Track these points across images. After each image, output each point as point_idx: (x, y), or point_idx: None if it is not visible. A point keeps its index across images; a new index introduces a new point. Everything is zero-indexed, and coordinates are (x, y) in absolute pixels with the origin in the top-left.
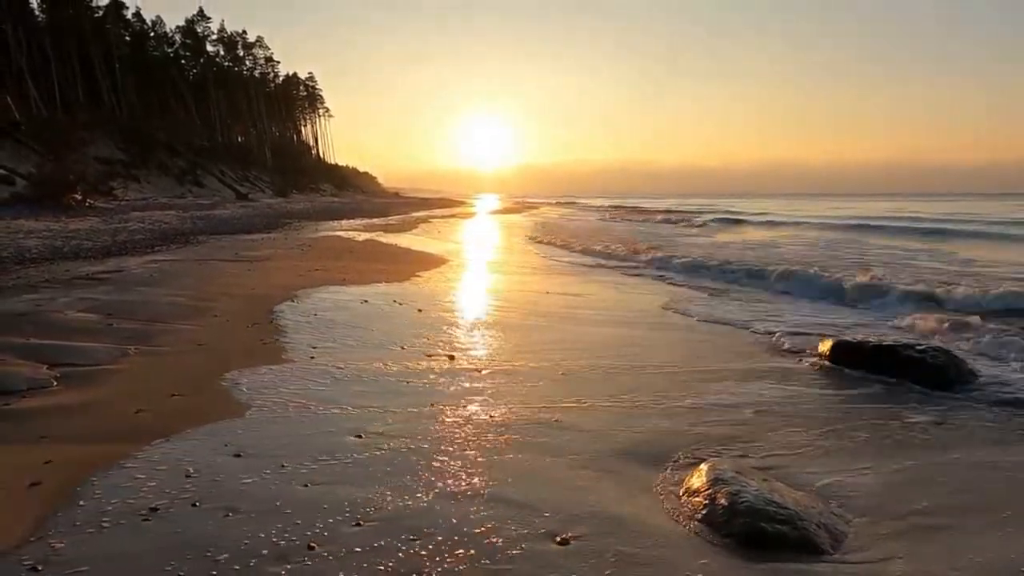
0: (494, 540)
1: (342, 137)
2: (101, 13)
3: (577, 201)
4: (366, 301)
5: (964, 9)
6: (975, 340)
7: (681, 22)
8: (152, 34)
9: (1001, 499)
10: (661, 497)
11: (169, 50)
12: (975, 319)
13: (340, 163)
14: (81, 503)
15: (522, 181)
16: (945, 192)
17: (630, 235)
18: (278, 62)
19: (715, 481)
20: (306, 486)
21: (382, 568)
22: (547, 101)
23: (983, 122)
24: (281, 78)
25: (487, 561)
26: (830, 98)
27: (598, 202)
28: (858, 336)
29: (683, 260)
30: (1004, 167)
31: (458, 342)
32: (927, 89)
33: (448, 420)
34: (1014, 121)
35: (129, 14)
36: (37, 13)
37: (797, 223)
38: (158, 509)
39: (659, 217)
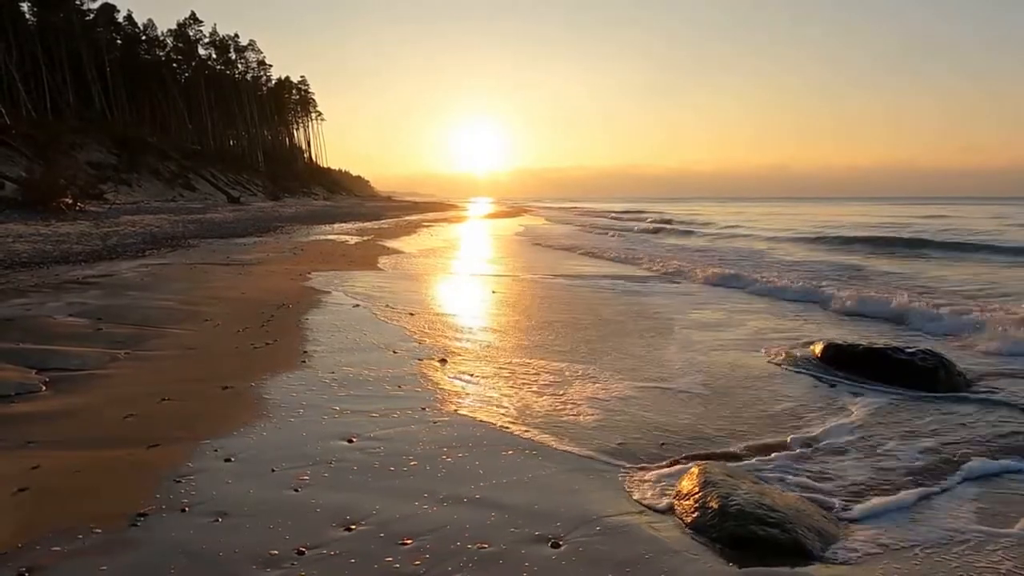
0: (485, 544)
1: (335, 141)
2: (92, 16)
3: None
4: (358, 305)
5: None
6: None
7: (681, 25)
8: (144, 37)
9: None
10: (652, 500)
11: (160, 54)
12: None
13: (332, 167)
14: (69, 509)
15: (519, 185)
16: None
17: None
18: (270, 65)
19: (706, 484)
20: (296, 491)
21: (372, 573)
22: (544, 105)
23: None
24: (273, 81)
25: (478, 565)
26: (829, 103)
27: (594, 206)
28: (849, 339)
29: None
30: (998, 172)
31: (449, 346)
32: (929, 94)
33: (439, 424)
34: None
35: (120, 17)
36: (28, 16)
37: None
38: (147, 514)
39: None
